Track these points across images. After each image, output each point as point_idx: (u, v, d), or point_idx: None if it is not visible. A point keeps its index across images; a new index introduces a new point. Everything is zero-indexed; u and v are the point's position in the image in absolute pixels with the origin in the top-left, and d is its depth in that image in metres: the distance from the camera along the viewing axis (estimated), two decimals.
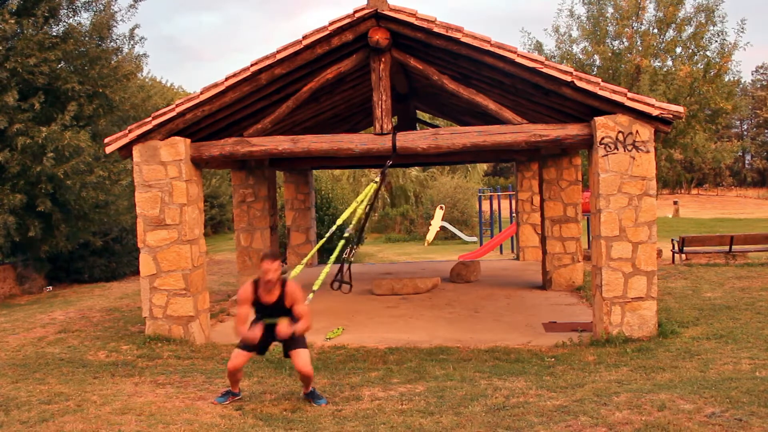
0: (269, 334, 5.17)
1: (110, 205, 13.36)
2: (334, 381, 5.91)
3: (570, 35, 20.61)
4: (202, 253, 7.96)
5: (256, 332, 5.07)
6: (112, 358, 7.04)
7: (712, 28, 18.81)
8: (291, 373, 6.21)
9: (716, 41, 18.94)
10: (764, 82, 57.44)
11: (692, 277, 11.06)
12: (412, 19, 6.93)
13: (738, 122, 56.74)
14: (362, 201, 6.72)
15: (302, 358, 5.10)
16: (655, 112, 6.79)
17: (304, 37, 7.13)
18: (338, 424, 4.67)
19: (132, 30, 13.57)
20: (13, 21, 10.98)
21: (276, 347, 7.27)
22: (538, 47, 20.77)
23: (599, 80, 6.93)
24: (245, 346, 5.17)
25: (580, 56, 20.21)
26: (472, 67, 7.47)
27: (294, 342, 5.16)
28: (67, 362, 6.81)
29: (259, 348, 5.28)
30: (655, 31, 19.60)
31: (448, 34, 6.86)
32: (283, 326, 5.06)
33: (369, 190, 6.77)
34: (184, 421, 4.69)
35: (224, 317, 9.38)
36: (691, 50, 19.19)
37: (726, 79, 19.23)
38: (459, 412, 4.78)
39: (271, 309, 5.12)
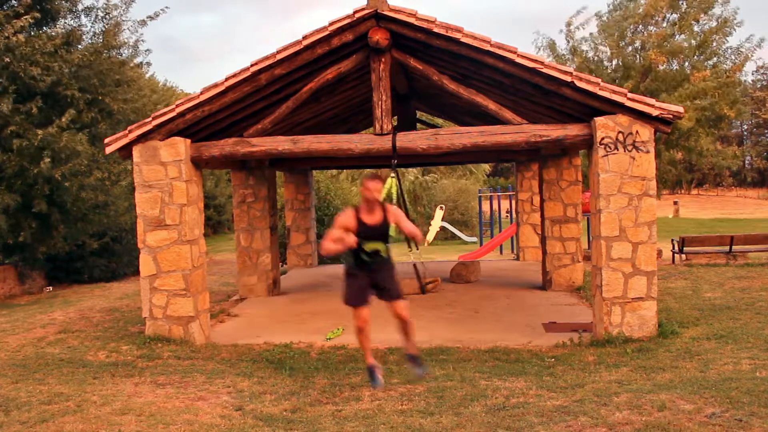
0: (366, 280, 5.32)
1: (110, 206, 13.36)
2: (334, 381, 5.91)
3: (589, 36, 20.46)
4: (202, 254, 7.96)
5: (351, 238, 5.11)
6: (112, 358, 7.03)
7: (727, 40, 18.79)
8: (291, 374, 6.22)
9: (730, 50, 18.93)
10: (764, 83, 57.43)
11: (692, 278, 11.06)
12: (412, 20, 6.93)
13: (738, 123, 56.75)
14: (389, 188, 6.86)
15: (403, 305, 5.35)
16: (655, 113, 6.79)
17: (304, 38, 7.13)
18: (338, 424, 4.66)
19: (136, 41, 13.61)
20: (22, 36, 11.00)
21: (276, 348, 7.26)
22: (552, 46, 20.64)
23: (599, 80, 6.93)
24: (355, 302, 5.34)
25: (597, 56, 20.13)
26: (472, 68, 7.47)
27: (393, 292, 5.36)
28: (67, 362, 6.81)
29: (363, 300, 5.40)
30: (682, 36, 19.52)
31: (448, 35, 6.86)
32: (410, 227, 5.26)
33: (391, 184, 6.90)
34: (184, 422, 4.69)
35: (224, 317, 9.38)
36: (704, 56, 19.14)
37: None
38: (459, 412, 4.78)
39: (374, 231, 5.22)
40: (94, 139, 12.60)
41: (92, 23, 13.04)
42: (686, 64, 19.43)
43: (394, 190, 6.86)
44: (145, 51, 13.99)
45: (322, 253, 5.22)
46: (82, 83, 12.09)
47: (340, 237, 5.12)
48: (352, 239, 5.12)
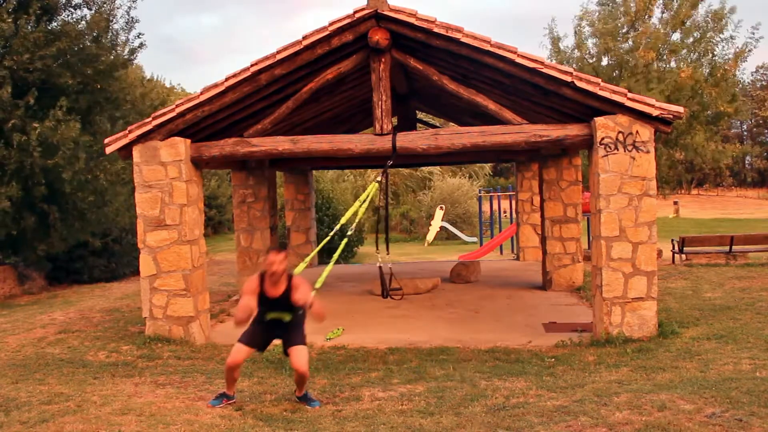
0: (272, 330, 5.11)
1: (108, 206, 13.32)
2: (334, 381, 5.91)
3: (582, 37, 20.50)
4: (202, 254, 7.96)
5: (249, 308, 4.87)
6: (113, 358, 7.04)
7: (721, 35, 18.77)
8: (291, 374, 6.21)
9: (722, 44, 18.91)
10: (764, 82, 57.40)
11: (692, 278, 11.06)
12: (412, 20, 6.93)
13: (738, 123, 56.73)
14: (364, 201, 6.77)
15: (301, 354, 4.97)
16: (655, 113, 6.79)
17: (304, 38, 7.13)
18: (338, 424, 4.66)
19: (129, 21, 13.41)
20: (10, 20, 10.94)
21: (276, 348, 7.27)
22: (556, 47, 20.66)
23: (599, 80, 6.93)
24: (246, 341, 5.09)
25: (589, 57, 20.20)
26: (472, 68, 7.47)
27: (294, 338, 5.06)
28: (67, 363, 6.81)
29: (260, 344, 5.20)
30: (670, 31, 19.51)
31: (448, 35, 6.86)
32: (304, 294, 4.85)
33: (371, 189, 6.83)
34: (184, 422, 4.69)
35: (224, 317, 9.38)
36: (698, 53, 19.11)
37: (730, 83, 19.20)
38: (459, 412, 4.78)
39: (276, 303, 5.00)
40: (95, 135, 12.56)
41: (86, 14, 12.92)
42: (672, 63, 19.47)
43: (367, 198, 6.79)
44: (139, 35, 13.69)
45: (235, 322, 5.03)
46: (75, 72, 11.97)
47: (247, 306, 4.92)
48: (250, 307, 4.92)
